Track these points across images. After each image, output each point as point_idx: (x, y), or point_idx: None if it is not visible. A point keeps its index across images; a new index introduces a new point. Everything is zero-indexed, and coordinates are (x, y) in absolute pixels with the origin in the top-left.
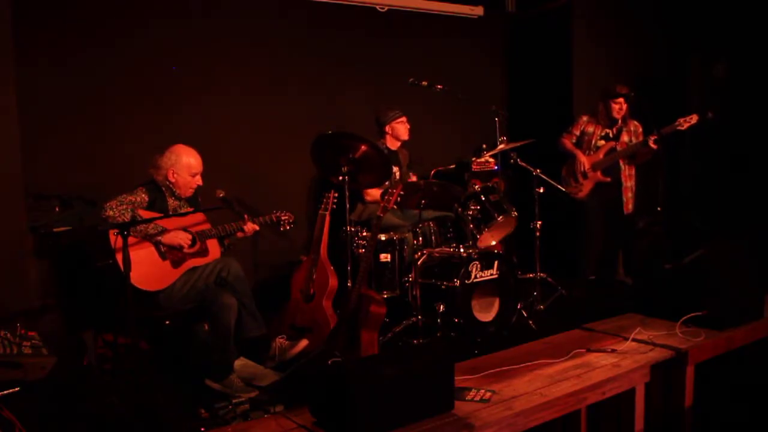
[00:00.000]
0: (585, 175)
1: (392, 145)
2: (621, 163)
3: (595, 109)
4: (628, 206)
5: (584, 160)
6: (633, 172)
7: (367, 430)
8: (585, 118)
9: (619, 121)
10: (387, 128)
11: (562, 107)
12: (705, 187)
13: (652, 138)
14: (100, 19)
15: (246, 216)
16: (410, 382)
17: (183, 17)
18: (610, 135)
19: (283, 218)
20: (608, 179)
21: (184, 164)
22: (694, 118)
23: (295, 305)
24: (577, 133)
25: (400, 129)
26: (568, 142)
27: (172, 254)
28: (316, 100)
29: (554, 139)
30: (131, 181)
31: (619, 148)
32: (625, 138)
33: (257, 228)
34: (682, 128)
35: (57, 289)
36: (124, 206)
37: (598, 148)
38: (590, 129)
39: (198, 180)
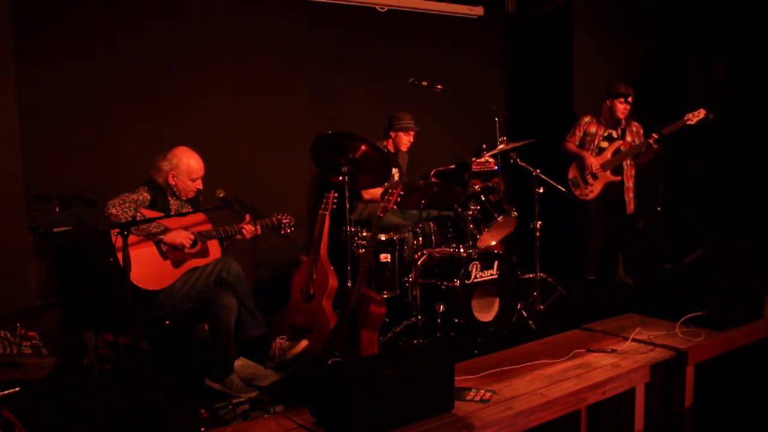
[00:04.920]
0: (595, 176)
1: (393, 148)
2: (624, 164)
3: (598, 110)
4: (630, 206)
5: (593, 161)
6: (633, 172)
7: (367, 430)
8: (586, 119)
9: (623, 122)
10: (392, 133)
11: (562, 107)
12: (705, 187)
13: (653, 137)
14: (100, 19)
15: (247, 216)
16: (410, 382)
17: (183, 17)
18: (614, 135)
19: (284, 221)
20: (618, 178)
21: (185, 169)
22: (702, 113)
23: (295, 305)
24: (580, 134)
25: (403, 140)
26: (572, 146)
27: (173, 254)
28: (316, 100)
29: (554, 139)
30: (131, 181)
31: (623, 148)
32: (628, 138)
33: (258, 232)
34: (692, 122)
35: (57, 289)
36: (127, 204)
37: (601, 149)
38: (593, 129)
39: (198, 184)
